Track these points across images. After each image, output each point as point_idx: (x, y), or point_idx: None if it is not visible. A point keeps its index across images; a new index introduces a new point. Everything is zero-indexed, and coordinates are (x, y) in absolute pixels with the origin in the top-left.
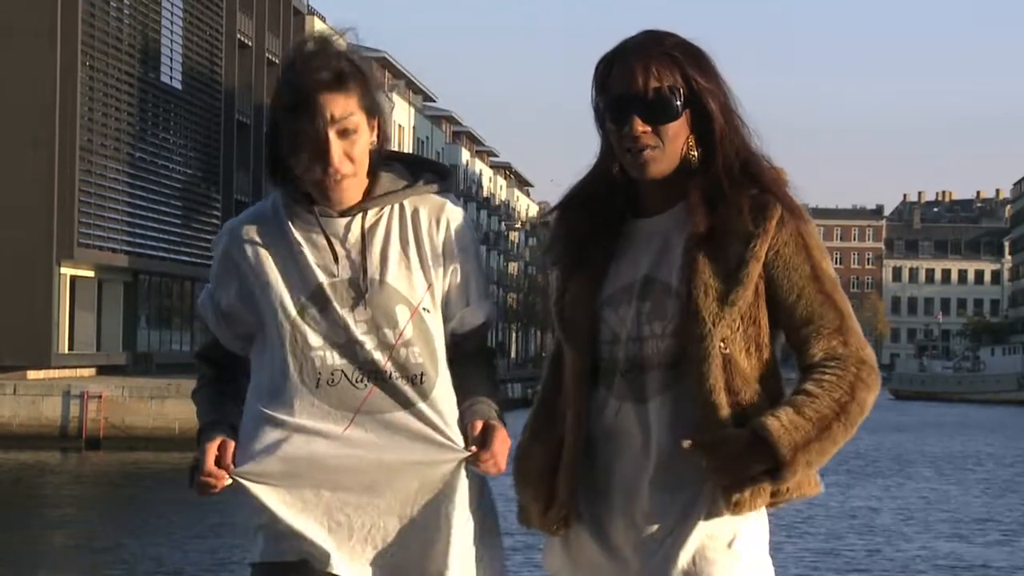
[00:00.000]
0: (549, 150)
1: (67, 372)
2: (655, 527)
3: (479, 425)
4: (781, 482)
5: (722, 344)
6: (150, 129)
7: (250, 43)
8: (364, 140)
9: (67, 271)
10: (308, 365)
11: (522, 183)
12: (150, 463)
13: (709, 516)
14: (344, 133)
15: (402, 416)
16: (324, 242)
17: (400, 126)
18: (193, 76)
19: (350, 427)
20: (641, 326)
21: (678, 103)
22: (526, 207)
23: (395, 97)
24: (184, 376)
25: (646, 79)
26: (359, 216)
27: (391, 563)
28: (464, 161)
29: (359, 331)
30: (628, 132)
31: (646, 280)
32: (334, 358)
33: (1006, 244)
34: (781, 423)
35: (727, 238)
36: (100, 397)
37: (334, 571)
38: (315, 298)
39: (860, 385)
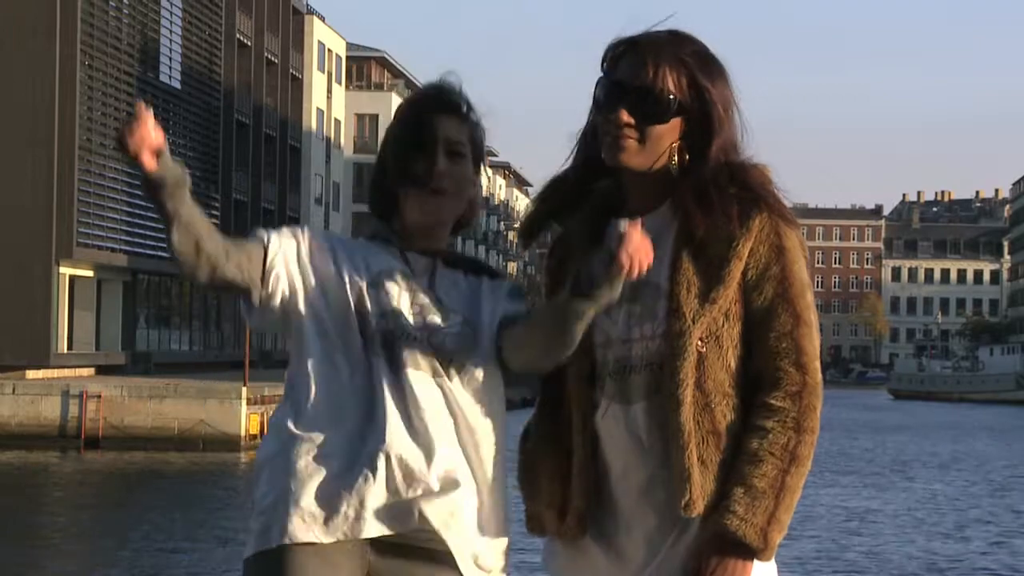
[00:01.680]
0: (547, 151)
1: (66, 372)
2: (653, 529)
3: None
4: (765, 559)
5: (699, 343)
6: None
7: (249, 43)
8: (467, 175)
9: (66, 271)
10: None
11: (521, 183)
12: (149, 463)
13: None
14: (453, 155)
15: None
16: (403, 271)
17: None
18: (192, 76)
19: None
20: (631, 328)
21: (671, 109)
22: (525, 207)
23: (395, 97)
24: (183, 376)
25: (650, 76)
26: (433, 258)
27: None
28: None
29: (429, 311)
30: (613, 119)
31: (636, 282)
32: (396, 338)
33: (1005, 244)
34: (739, 516)
35: (712, 238)
36: (99, 397)
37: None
38: (383, 330)
39: (805, 416)
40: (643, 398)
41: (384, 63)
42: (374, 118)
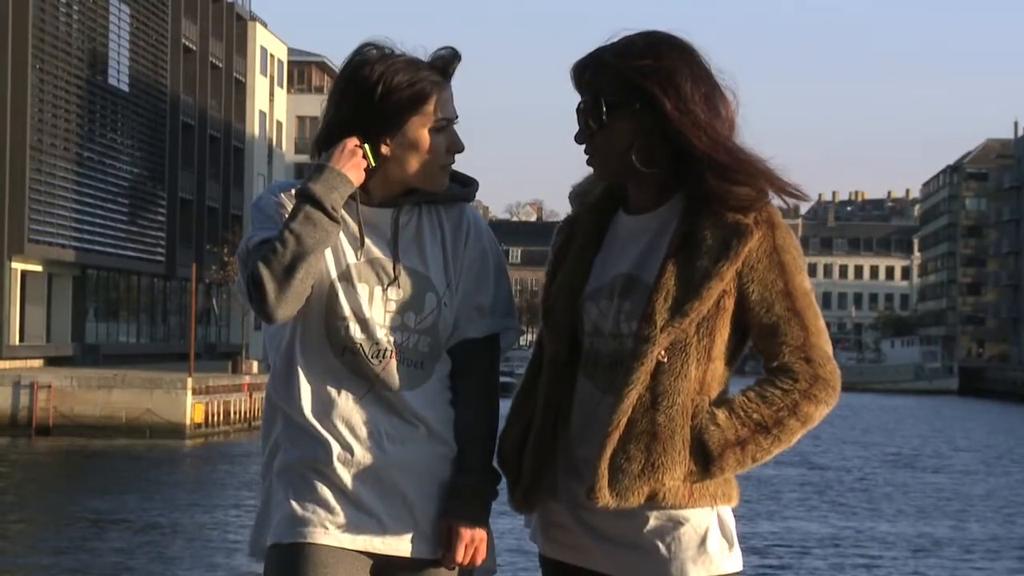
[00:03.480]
0: (497, 150)
1: (17, 363)
2: (623, 512)
3: (444, 528)
4: (709, 476)
5: (662, 352)
6: (98, 130)
7: (194, 48)
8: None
9: (17, 266)
10: (334, 332)
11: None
12: (97, 450)
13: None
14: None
15: (403, 396)
16: (358, 224)
17: None
18: (139, 79)
19: (365, 397)
20: (620, 323)
21: (600, 113)
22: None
23: None
24: (130, 367)
25: (581, 90)
26: (392, 209)
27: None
28: None
29: (384, 310)
30: (577, 139)
31: (628, 278)
32: (356, 331)
33: (915, 241)
34: (716, 424)
35: (700, 250)
36: (49, 387)
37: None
38: (347, 274)
39: (805, 401)
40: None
41: (324, 67)
42: (315, 120)
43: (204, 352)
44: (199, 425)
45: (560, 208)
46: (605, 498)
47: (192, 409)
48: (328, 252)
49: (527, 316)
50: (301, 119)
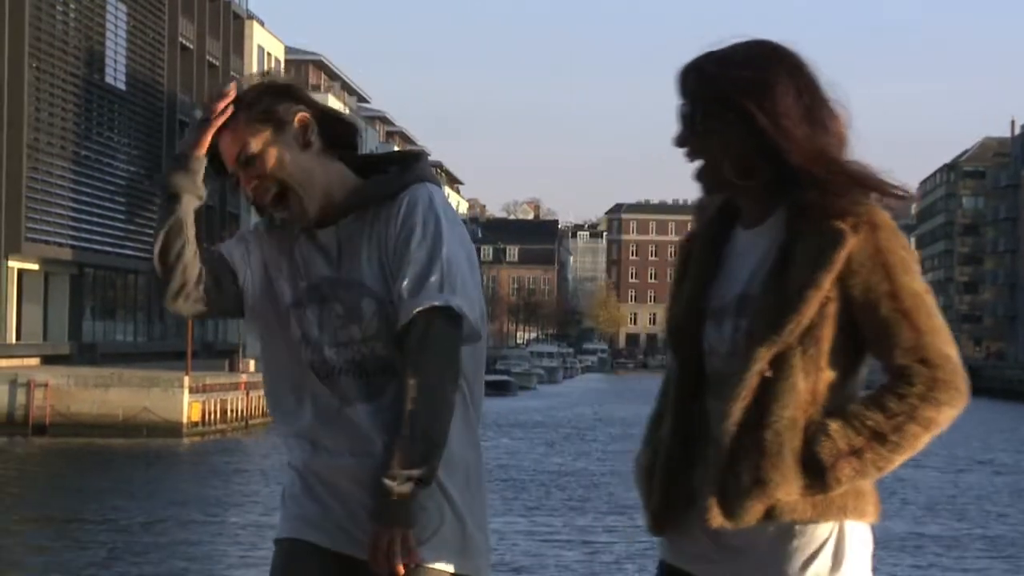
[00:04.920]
0: (479, 148)
1: (14, 361)
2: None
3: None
4: (827, 488)
5: (765, 367)
6: (95, 128)
7: (191, 46)
8: (276, 158)
9: (14, 264)
10: (295, 355)
11: (452, 181)
12: (94, 448)
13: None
14: (247, 163)
15: (362, 409)
16: (303, 250)
17: None
18: (136, 78)
19: (328, 412)
20: (736, 342)
21: (695, 121)
22: (456, 204)
23: (331, 98)
24: (127, 365)
25: (682, 95)
26: (334, 227)
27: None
28: None
29: (332, 328)
30: (674, 143)
31: (741, 298)
32: (309, 353)
33: (912, 239)
34: (827, 434)
35: (797, 261)
36: (46, 385)
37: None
38: (299, 300)
39: (925, 405)
40: None
41: (321, 66)
42: None
43: (201, 351)
44: (196, 423)
45: (557, 207)
46: (717, 520)
47: (189, 407)
48: (283, 281)
49: (524, 314)
50: None
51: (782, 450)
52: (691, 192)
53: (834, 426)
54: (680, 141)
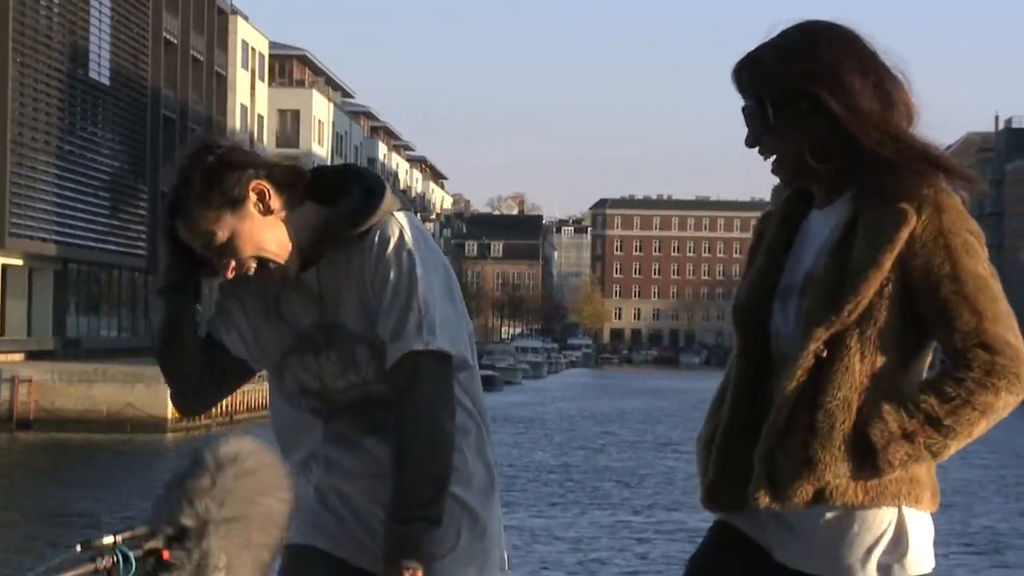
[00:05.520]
0: (464, 144)
1: None
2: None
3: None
4: (879, 472)
5: (820, 347)
6: (79, 123)
7: (176, 41)
8: (245, 238)
9: None
10: (295, 397)
11: (437, 176)
12: (78, 444)
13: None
14: (220, 252)
15: (370, 440)
16: (288, 297)
17: (320, 121)
18: (120, 73)
19: (331, 444)
20: (800, 322)
21: (767, 117)
22: (441, 199)
23: (315, 93)
24: (111, 361)
25: (743, 93)
26: (314, 270)
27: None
28: (381, 155)
29: (330, 372)
30: (747, 143)
31: (807, 276)
32: (310, 397)
33: None
34: (880, 416)
35: (859, 241)
36: (30, 381)
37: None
38: (294, 346)
39: (982, 390)
40: None
41: (305, 61)
42: (296, 114)
43: None
44: (180, 419)
45: (541, 202)
46: (764, 500)
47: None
48: (273, 331)
49: (509, 309)
50: (282, 113)
51: (832, 431)
52: (675, 188)
53: (887, 408)
54: (752, 141)
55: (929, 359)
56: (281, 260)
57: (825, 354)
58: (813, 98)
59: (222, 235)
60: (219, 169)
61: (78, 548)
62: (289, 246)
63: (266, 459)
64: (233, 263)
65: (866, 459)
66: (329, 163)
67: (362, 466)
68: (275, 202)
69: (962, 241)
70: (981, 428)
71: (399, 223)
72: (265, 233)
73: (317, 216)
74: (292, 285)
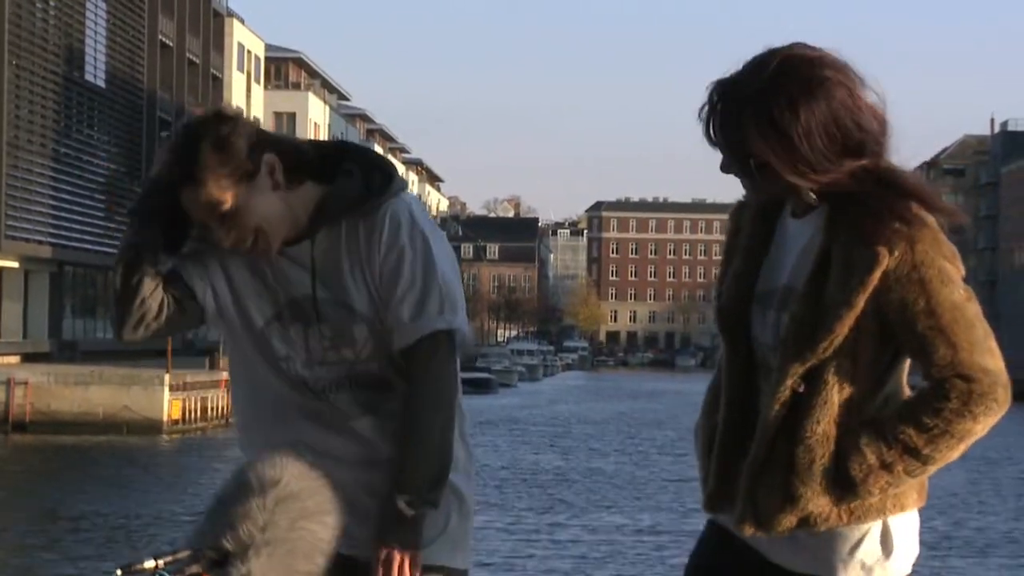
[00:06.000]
0: (460, 146)
1: None
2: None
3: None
4: (859, 499)
5: (798, 382)
6: (75, 126)
7: (171, 44)
8: (253, 210)
9: None
10: (280, 371)
11: (433, 178)
12: (74, 446)
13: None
14: (223, 221)
15: (364, 421)
16: (276, 266)
17: (316, 124)
18: (116, 75)
19: (320, 424)
20: (777, 339)
21: (736, 163)
22: (437, 201)
23: (311, 96)
24: (107, 363)
25: (710, 134)
26: (308, 242)
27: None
28: None
29: (321, 347)
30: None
31: (787, 289)
32: (299, 367)
33: None
34: (858, 449)
35: (834, 275)
36: (26, 383)
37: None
38: (279, 315)
39: (959, 419)
40: None
41: (301, 63)
42: (291, 116)
43: (181, 348)
44: (176, 421)
45: (537, 205)
46: (749, 530)
47: (169, 405)
48: (256, 299)
49: (504, 312)
50: (278, 115)
51: (812, 465)
52: (671, 190)
53: (865, 440)
54: (727, 169)
55: (907, 369)
56: (272, 234)
57: (802, 388)
58: (782, 133)
59: (230, 205)
60: (237, 139)
61: (118, 573)
62: (286, 221)
63: (311, 483)
64: (234, 234)
65: (846, 491)
66: None
67: (353, 452)
68: (281, 177)
69: (936, 272)
70: (960, 451)
71: (407, 204)
72: (271, 207)
73: (315, 193)
74: (280, 255)
